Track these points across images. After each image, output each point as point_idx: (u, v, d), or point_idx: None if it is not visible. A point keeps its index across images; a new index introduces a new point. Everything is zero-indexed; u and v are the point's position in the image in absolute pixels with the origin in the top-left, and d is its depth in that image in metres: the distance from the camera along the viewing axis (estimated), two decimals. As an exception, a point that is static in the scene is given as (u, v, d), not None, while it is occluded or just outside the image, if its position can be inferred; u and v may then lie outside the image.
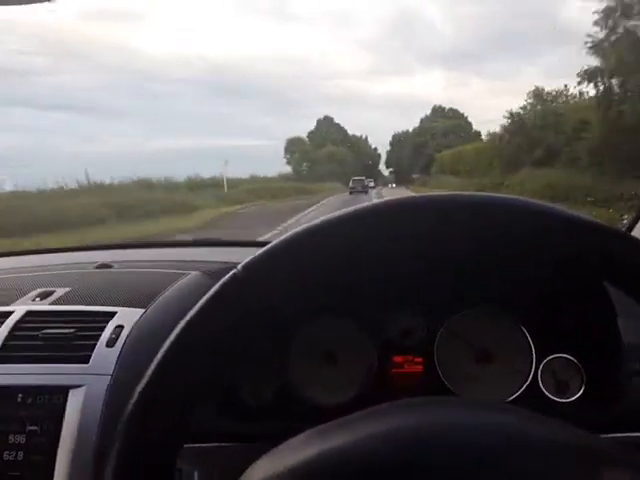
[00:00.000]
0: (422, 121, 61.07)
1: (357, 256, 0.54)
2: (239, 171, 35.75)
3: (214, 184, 27.52)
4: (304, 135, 62.26)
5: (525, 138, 24.05)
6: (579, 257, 0.53)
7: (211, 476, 0.62)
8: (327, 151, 55.77)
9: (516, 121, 26.15)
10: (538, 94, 27.00)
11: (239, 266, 0.52)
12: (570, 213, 0.51)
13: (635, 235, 0.53)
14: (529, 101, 26.88)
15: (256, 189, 30.25)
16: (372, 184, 46.43)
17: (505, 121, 26.75)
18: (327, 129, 64.58)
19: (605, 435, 0.84)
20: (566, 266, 0.85)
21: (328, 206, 20.00)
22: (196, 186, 25.69)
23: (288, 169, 53.53)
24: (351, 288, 0.98)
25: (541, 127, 23.45)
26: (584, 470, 0.45)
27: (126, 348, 0.88)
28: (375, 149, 74.48)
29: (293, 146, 57.56)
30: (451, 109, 63.11)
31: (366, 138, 73.07)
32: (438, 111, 62.13)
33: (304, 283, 0.53)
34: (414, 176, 48.73)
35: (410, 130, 64.74)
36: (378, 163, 75.07)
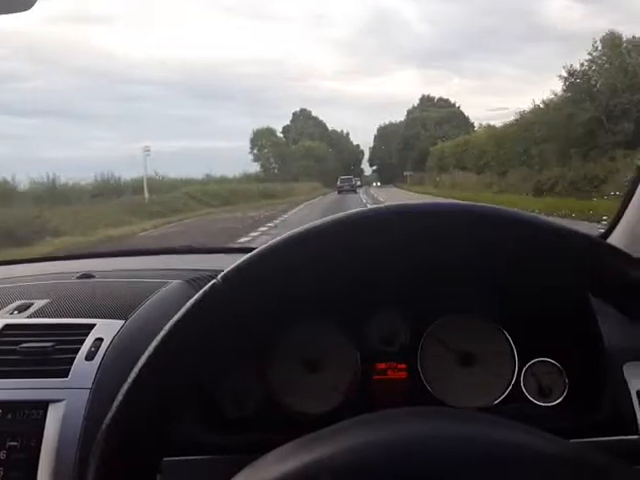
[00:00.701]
0: (410, 112, 54.84)
1: (338, 264, 0.54)
2: (199, 172, 30.32)
3: (136, 188, 20.88)
4: (278, 130, 54.08)
5: (599, 106, 16.24)
6: (558, 264, 0.53)
7: None
8: (303, 146, 48.39)
9: (577, 84, 17.93)
10: (613, 42, 17.90)
11: (218, 276, 0.52)
12: (548, 221, 0.52)
13: (611, 242, 0.53)
14: (597, 52, 18.02)
15: (205, 193, 23.91)
16: (359, 183, 43.24)
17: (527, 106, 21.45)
18: (304, 123, 57.09)
19: (588, 439, 0.85)
20: (545, 273, 0.85)
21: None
22: (104, 190, 19.58)
23: (256, 167, 46.08)
24: (333, 295, 0.98)
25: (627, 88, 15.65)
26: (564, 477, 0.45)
27: (105, 361, 0.87)
28: (357, 146, 69.43)
29: (261, 139, 48.79)
30: (441, 98, 57.33)
31: (347, 134, 67.46)
32: (427, 101, 56.44)
33: (284, 292, 0.53)
34: (406, 174, 44.25)
35: (398, 122, 58.86)
36: (361, 161, 71.03)
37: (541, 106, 22.65)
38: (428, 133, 45.42)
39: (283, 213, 17.97)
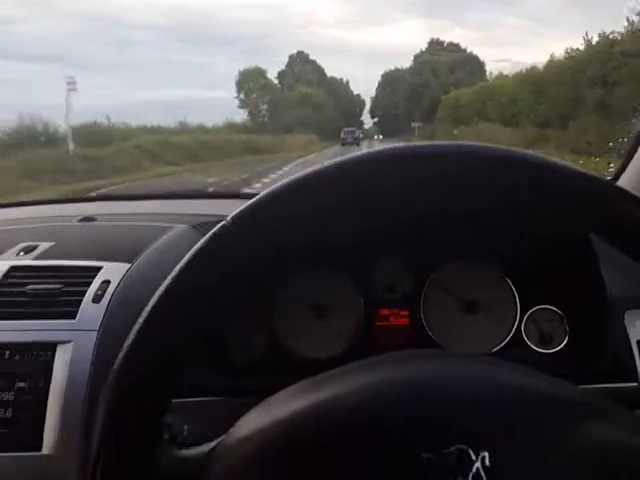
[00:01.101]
0: (417, 57, 49.63)
1: (345, 208, 0.53)
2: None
3: (51, 138, 15.22)
4: (272, 75, 47.74)
5: None
6: (564, 208, 0.53)
7: (201, 430, 0.62)
8: (300, 92, 42.38)
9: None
10: None
11: (228, 217, 0.51)
12: (556, 162, 0.51)
13: (621, 185, 0.52)
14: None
15: (164, 146, 17.82)
16: (361, 135, 39.80)
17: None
18: (301, 67, 51.88)
19: (588, 386, 0.86)
20: (551, 217, 0.85)
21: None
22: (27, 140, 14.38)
23: (244, 116, 40.35)
24: (337, 242, 0.98)
25: None
26: (563, 420, 0.46)
27: (113, 303, 0.87)
28: (358, 96, 65.01)
29: (248, 81, 42.61)
30: (451, 43, 51.86)
31: (347, 83, 62.75)
32: (436, 45, 51.24)
33: (292, 235, 0.52)
34: (414, 125, 38.41)
35: (405, 67, 53.12)
36: (361, 112, 66.70)
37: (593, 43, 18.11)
38: (439, 80, 40.32)
39: (263, 176, 13.40)
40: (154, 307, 0.50)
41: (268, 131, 33.11)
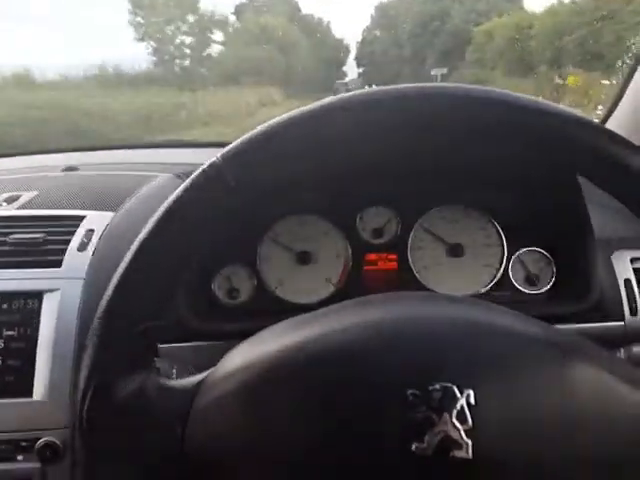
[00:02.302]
0: None
1: (330, 151, 0.52)
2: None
3: None
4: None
5: None
6: (552, 150, 0.52)
7: (189, 372, 0.63)
8: (257, 23, 26.94)
9: None
10: None
11: (218, 155, 0.50)
12: (541, 103, 0.50)
13: (608, 127, 0.52)
14: None
15: None
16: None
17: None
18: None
19: (575, 325, 0.87)
20: (538, 159, 0.84)
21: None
22: None
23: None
24: (324, 186, 0.98)
25: None
26: (547, 360, 0.47)
27: (98, 251, 0.87)
28: (340, 41, 52.97)
29: None
30: None
31: (328, 24, 50.74)
32: None
33: (278, 178, 0.52)
34: (436, 72, 24.43)
35: None
36: (345, 60, 54.10)
37: None
38: (463, 7, 28.40)
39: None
40: (138, 248, 0.50)
41: (188, 83, 19.39)
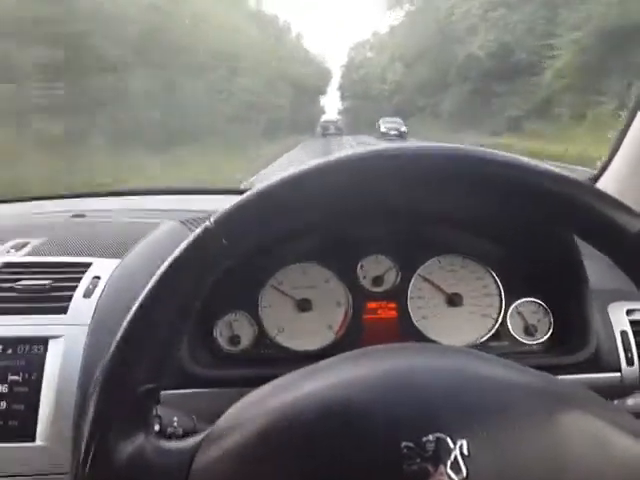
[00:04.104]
0: None
1: (330, 206, 0.54)
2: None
3: None
4: None
5: None
6: (545, 210, 0.54)
7: (190, 421, 0.64)
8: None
9: None
10: None
11: (211, 219, 0.52)
12: (537, 165, 0.53)
13: (600, 187, 0.54)
14: None
15: None
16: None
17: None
18: None
19: (572, 376, 0.88)
20: (533, 218, 0.87)
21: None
22: None
23: None
24: (324, 237, 1.00)
25: None
26: (541, 409, 0.48)
27: (103, 298, 0.88)
28: (324, 65, 43.00)
29: None
30: None
31: (299, 36, 42.31)
32: None
33: (275, 234, 0.54)
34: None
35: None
36: (325, 87, 42.84)
37: None
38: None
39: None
40: (141, 304, 0.52)
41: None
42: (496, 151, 0.53)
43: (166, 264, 0.52)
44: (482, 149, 0.54)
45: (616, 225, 0.51)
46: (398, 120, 25.97)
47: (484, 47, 24.77)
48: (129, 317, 0.52)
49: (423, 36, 33.39)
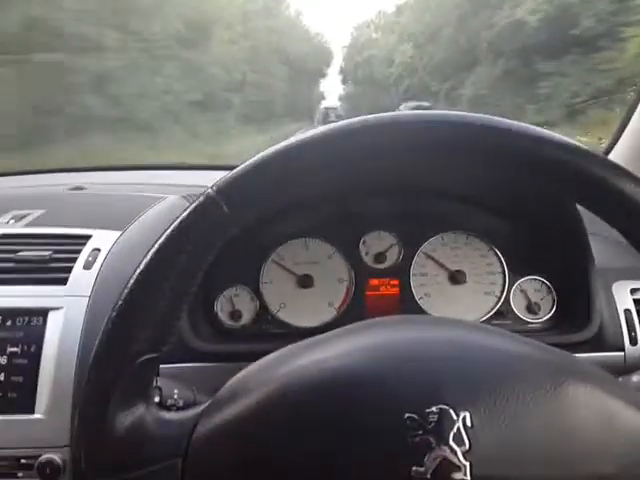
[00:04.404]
0: None
1: (331, 179, 0.53)
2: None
3: None
4: None
5: None
6: (556, 181, 0.53)
7: (190, 394, 0.63)
8: None
9: None
10: None
11: (213, 187, 0.51)
12: (550, 135, 0.51)
13: (612, 158, 0.53)
14: None
15: None
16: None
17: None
18: None
19: (575, 355, 0.88)
20: (539, 188, 0.86)
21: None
22: None
23: None
24: (327, 212, 0.99)
25: None
26: (543, 380, 0.48)
27: (103, 270, 0.88)
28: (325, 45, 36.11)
29: None
30: None
31: (298, 13, 36.72)
32: None
33: (276, 206, 0.53)
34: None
35: None
36: (325, 69, 36.82)
37: None
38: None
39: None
40: (140, 273, 0.51)
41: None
42: (506, 119, 0.52)
43: (167, 231, 0.51)
44: (488, 117, 0.52)
45: (626, 197, 0.50)
46: (425, 104, 21.52)
47: (536, 11, 16.82)
48: (128, 286, 0.51)
49: (440, 10, 28.36)
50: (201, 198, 0.51)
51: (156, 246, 0.51)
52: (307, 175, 0.52)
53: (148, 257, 0.51)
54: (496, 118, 0.52)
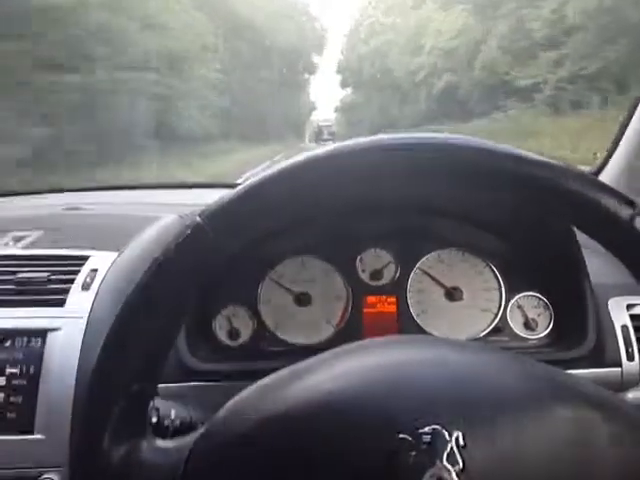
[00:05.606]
0: None
1: (326, 200, 0.54)
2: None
3: None
4: None
5: None
6: (547, 202, 0.54)
7: (188, 413, 0.63)
8: None
9: None
10: None
11: (202, 214, 0.51)
12: (539, 157, 0.52)
13: (602, 179, 0.53)
14: None
15: None
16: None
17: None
18: None
19: (572, 371, 0.88)
20: (534, 210, 0.87)
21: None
22: None
23: None
24: (323, 230, 1.00)
25: None
26: (537, 399, 0.48)
27: (101, 291, 0.88)
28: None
29: None
30: None
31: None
32: None
33: (270, 228, 0.53)
34: None
35: None
36: (311, 64, 27.27)
37: None
38: None
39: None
40: (131, 299, 0.51)
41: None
42: (492, 142, 0.53)
43: (154, 260, 0.51)
44: (478, 140, 0.53)
45: (607, 212, 0.51)
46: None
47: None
48: (117, 315, 0.51)
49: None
50: (191, 224, 0.51)
51: (143, 275, 0.51)
52: (299, 200, 0.52)
53: (136, 286, 0.51)
54: (482, 141, 0.52)
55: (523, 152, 0.52)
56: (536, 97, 15.62)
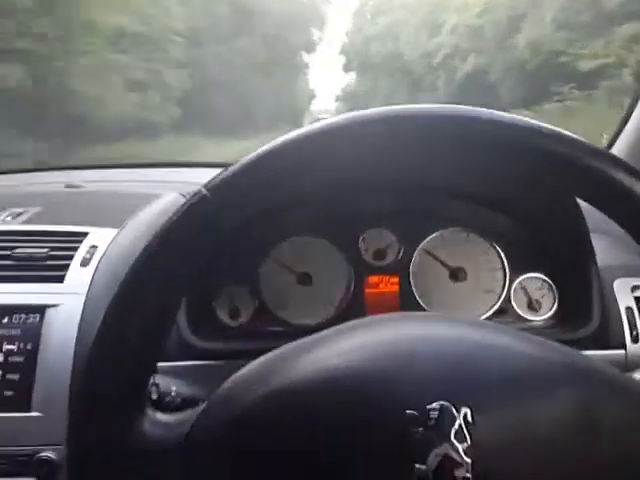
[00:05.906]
0: None
1: (327, 176, 0.52)
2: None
3: None
4: None
5: None
6: (558, 176, 0.52)
7: (189, 390, 0.63)
8: None
9: None
10: None
11: (206, 186, 0.50)
12: (551, 129, 0.51)
13: (614, 152, 0.52)
14: None
15: None
16: None
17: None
18: None
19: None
20: (540, 183, 0.85)
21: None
22: None
23: None
24: (325, 209, 0.99)
25: None
26: (545, 379, 0.47)
27: (100, 267, 0.87)
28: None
29: None
30: None
31: None
32: None
33: (272, 204, 0.52)
34: None
35: None
36: (309, 39, 22.32)
37: None
38: None
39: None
40: (132, 271, 0.50)
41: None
42: (506, 114, 0.51)
43: (156, 232, 0.50)
44: (489, 111, 0.51)
45: (622, 187, 0.50)
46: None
47: None
48: (119, 285, 0.50)
49: None
50: (193, 198, 0.50)
51: (144, 248, 0.50)
52: (301, 174, 0.51)
53: (136, 258, 0.50)
54: (492, 111, 0.51)
55: (538, 124, 0.51)
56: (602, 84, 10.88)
